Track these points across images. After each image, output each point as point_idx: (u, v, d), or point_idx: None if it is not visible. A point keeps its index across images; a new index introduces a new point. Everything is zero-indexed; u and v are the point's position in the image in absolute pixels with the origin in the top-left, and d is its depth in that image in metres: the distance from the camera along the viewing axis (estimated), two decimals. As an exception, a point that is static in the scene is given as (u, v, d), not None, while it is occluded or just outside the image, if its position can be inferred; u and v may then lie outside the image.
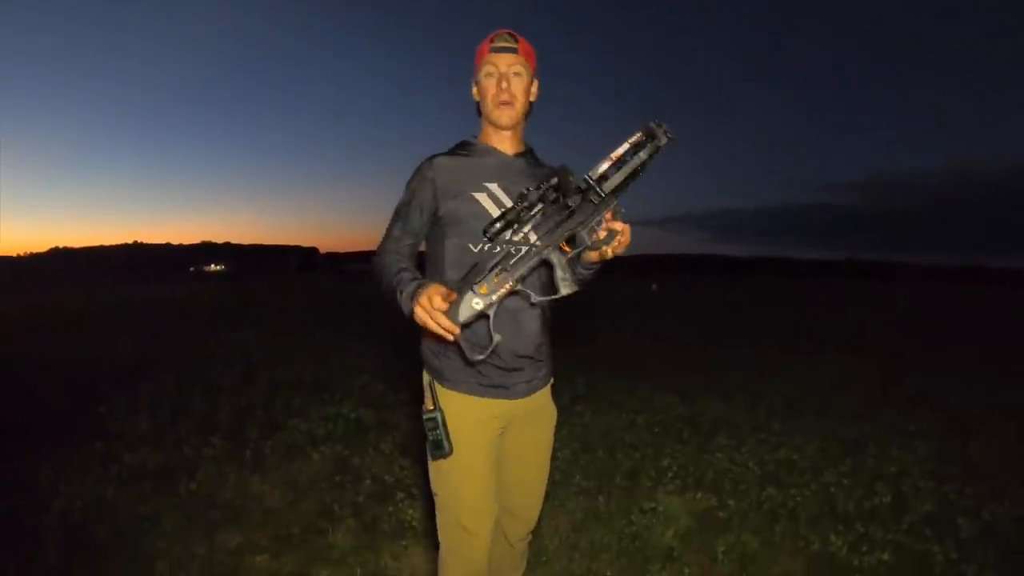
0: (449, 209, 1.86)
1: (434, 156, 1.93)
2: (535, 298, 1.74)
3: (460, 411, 1.85)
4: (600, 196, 1.68)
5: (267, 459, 4.23)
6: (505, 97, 1.88)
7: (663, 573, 2.91)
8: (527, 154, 2.01)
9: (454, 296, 1.63)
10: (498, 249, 1.81)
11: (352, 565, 2.93)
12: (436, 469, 1.89)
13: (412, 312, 1.65)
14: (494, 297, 1.63)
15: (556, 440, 4.25)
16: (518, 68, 1.89)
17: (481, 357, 1.66)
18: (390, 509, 3.48)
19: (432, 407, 1.83)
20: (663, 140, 1.65)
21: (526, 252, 1.67)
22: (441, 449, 1.79)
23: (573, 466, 4.15)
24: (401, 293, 1.71)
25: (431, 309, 1.60)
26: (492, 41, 1.89)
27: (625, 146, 1.66)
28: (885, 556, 3.09)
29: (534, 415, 2.00)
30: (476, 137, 2.01)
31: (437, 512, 1.93)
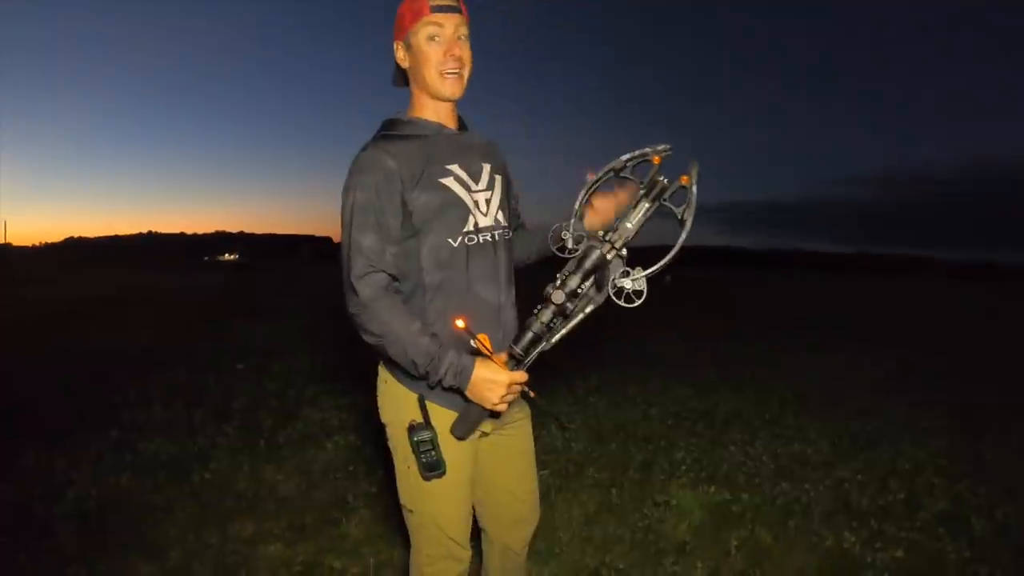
0: (421, 202, 1.62)
1: (380, 141, 1.67)
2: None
3: (449, 427, 1.68)
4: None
5: (281, 448, 4.26)
6: (454, 66, 1.65)
7: (676, 567, 2.90)
8: (464, 126, 1.82)
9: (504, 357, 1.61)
10: (480, 240, 1.70)
11: (365, 555, 2.94)
12: (419, 487, 1.70)
13: (465, 387, 1.56)
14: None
15: (570, 432, 4.24)
16: (465, 30, 1.67)
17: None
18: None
19: (424, 425, 1.65)
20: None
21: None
22: (437, 469, 1.64)
23: (587, 458, 4.15)
24: (440, 371, 1.56)
25: (515, 388, 1.58)
26: None
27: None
28: (899, 553, 3.07)
29: (510, 415, 1.84)
30: (406, 112, 1.76)
31: (417, 529, 1.77)
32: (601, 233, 1.62)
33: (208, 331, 9.68)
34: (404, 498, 1.78)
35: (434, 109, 1.73)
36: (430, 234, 1.64)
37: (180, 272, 32.21)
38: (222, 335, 9.21)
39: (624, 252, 1.61)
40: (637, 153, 1.62)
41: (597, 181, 1.68)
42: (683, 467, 4.04)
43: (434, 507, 1.73)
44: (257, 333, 9.34)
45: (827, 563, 2.99)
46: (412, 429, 1.65)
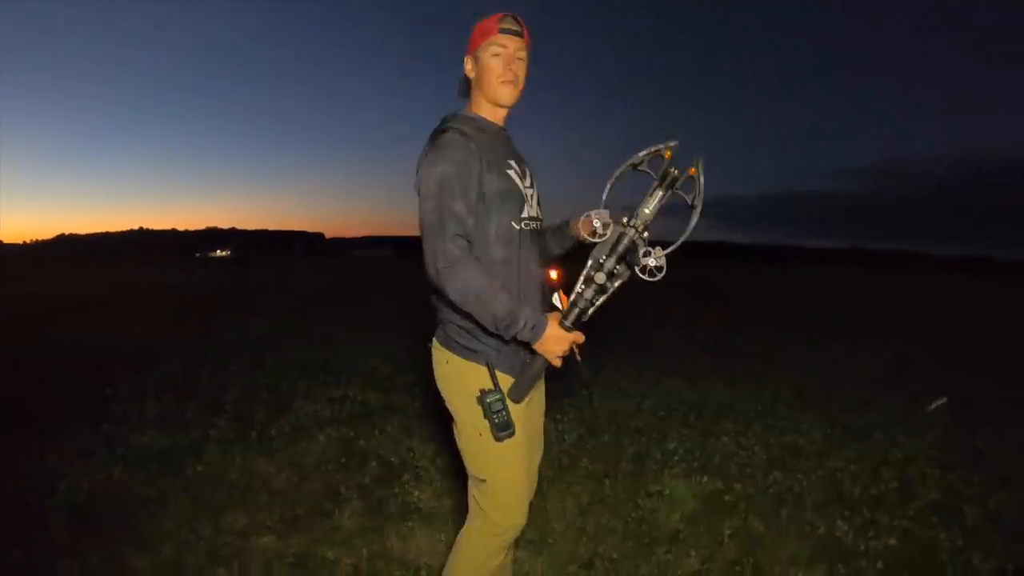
0: (493, 186, 1.85)
1: (459, 128, 1.88)
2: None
3: (508, 392, 1.89)
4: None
5: (273, 441, 4.24)
6: (511, 76, 1.92)
7: (669, 556, 2.91)
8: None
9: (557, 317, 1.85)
10: (531, 227, 1.95)
11: (358, 546, 2.94)
12: (493, 451, 1.88)
13: (532, 342, 1.79)
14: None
15: (563, 424, 4.25)
16: (522, 53, 1.93)
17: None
18: (396, 490, 3.49)
19: (494, 389, 1.83)
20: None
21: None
22: (508, 428, 1.82)
23: (580, 450, 4.14)
24: (519, 324, 1.76)
25: (575, 343, 1.84)
26: (500, 21, 1.90)
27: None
28: (891, 542, 3.08)
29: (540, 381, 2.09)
30: (468, 111, 2.01)
31: (486, 496, 1.93)
32: (624, 219, 1.86)
33: (200, 326, 9.64)
34: (476, 469, 1.94)
35: (492, 112, 1.98)
36: (497, 215, 1.87)
37: (173, 268, 32.09)
38: (215, 330, 9.16)
39: (645, 234, 1.85)
40: (652, 149, 1.86)
41: (619, 173, 1.90)
42: (676, 457, 4.04)
43: (507, 469, 1.91)
44: (250, 327, 9.31)
45: (820, 551, 3.00)
46: (484, 394, 1.83)
